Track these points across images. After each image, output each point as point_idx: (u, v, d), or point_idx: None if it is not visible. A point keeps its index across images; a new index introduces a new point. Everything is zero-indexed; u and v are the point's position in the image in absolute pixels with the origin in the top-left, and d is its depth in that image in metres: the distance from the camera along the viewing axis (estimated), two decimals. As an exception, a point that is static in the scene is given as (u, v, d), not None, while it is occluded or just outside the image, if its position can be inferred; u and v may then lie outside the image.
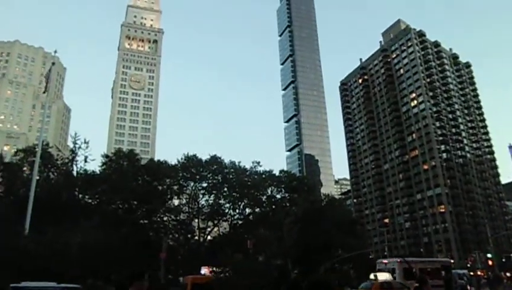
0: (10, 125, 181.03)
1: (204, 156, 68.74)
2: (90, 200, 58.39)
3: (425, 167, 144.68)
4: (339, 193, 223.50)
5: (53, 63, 41.64)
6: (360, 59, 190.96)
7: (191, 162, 67.03)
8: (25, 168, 55.57)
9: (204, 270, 49.10)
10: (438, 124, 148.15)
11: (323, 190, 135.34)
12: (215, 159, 68.52)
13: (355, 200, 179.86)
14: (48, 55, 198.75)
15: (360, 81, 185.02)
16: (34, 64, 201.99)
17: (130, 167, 61.72)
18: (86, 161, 55.43)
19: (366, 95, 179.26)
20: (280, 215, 68.19)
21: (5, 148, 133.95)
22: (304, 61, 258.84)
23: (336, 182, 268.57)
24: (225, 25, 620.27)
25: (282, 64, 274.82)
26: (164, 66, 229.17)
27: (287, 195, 74.95)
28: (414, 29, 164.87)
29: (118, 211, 57.91)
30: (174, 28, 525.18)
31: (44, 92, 35.62)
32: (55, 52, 36.26)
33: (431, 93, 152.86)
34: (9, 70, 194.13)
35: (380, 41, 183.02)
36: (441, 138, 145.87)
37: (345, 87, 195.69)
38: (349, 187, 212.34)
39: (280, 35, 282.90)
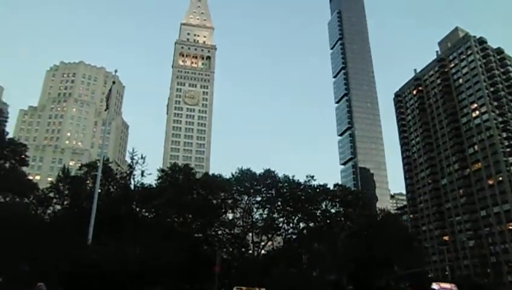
0: (75, 142, 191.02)
1: (258, 170, 69.05)
2: (146, 214, 60.08)
3: (491, 181, 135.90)
4: (395, 208, 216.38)
5: (113, 82, 43.56)
6: (415, 70, 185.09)
7: (245, 176, 67.40)
8: (88, 182, 58.31)
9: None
10: (504, 134, 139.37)
11: (378, 205, 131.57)
12: (269, 173, 68.51)
13: (411, 216, 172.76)
14: (108, 75, 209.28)
15: (415, 92, 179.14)
16: (96, 83, 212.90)
17: (185, 181, 62.92)
18: (143, 175, 57.15)
19: (421, 106, 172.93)
20: (335, 230, 66.87)
21: (71, 163, 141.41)
22: (357, 73, 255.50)
23: (392, 196, 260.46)
24: (276, 38, 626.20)
25: (334, 77, 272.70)
26: (217, 81, 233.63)
27: (341, 209, 73.33)
28: (474, 36, 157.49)
29: (174, 224, 59.08)
30: (226, 44, 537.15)
31: (105, 110, 37.26)
32: (116, 71, 37.76)
33: (495, 103, 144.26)
34: (74, 90, 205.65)
35: (437, 51, 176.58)
36: (508, 150, 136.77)
37: (400, 99, 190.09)
38: (405, 202, 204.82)
39: (332, 48, 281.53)
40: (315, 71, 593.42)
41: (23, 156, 60.80)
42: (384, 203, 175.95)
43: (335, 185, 77.14)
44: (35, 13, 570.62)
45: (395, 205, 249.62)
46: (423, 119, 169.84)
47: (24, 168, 64.23)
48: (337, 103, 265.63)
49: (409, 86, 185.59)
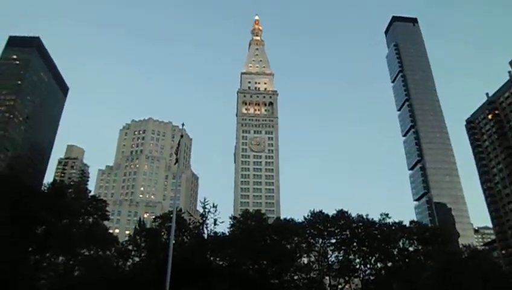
0: (148, 196, 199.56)
1: (330, 211, 67.63)
2: (221, 262, 60.27)
3: None
4: (481, 244, 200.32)
5: (181, 136, 45.22)
6: (487, 94, 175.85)
7: (317, 218, 66.23)
8: (163, 233, 60.09)
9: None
10: None
11: (461, 241, 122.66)
12: (341, 214, 66.92)
13: (503, 252, 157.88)
14: (176, 128, 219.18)
15: (490, 116, 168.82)
16: (165, 138, 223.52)
17: (257, 227, 62.91)
18: (215, 224, 57.87)
19: (500, 130, 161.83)
20: (414, 270, 63.11)
21: (145, 215, 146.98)
22: (422, 103, 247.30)
23: (476, 231, 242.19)
24: (334, 74, 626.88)
25: (399, 110, 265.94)
26: (281, 124, 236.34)
27: (420, 247, 69.32)
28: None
29: (249, 272, 58.62)
30: (286, 88, 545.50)
31: (175, 164, 38.64)
32: (183, 125, 39.32)
33: None
34: (145, 147, 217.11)
35: (509, 71, 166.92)
36: None
37: (473, 125, 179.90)
38: (493, 236, 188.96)
39: (393, 82, 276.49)
40: (379, 105, 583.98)
41: (104, 212, 64.13)
42: (467, 238, 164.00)
43: (411, 222, 73.79)
44: (108, 75, 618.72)
45: (481, 240, 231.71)
46: (504, 144, 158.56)
47: (105, 223, 67.50)
48: (404, 136, 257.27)
49: (482, 111, 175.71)
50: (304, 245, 64.70)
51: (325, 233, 65.20)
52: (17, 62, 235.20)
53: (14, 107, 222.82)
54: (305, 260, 66.12)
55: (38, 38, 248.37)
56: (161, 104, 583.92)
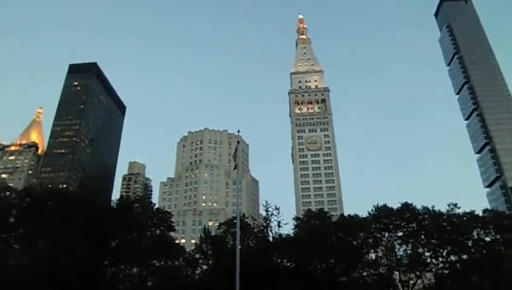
0: (211, 204, 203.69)
1: (394, 204, 65.61)
2: (288, 263, 60.19)
3: None
4: None
5: (238, 142, 45.67)
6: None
7: (382, 213, 64.42)
8: (228, 240, 61.03)
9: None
10: None
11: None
12: (406, 206, 64.59)
13: None
14: (231, 136, 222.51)
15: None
16: (222, 146, 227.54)
17: (321, 226, 62.31)
18: (279, 226, 58.09)
19: None
20: (494, 261, 59.47)
21: (210, 223, 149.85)
22: (483, 84, 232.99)
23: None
24: (385, 60, 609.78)
25: (457, 93, 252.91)
26: (336, 120, 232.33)
27: (498, 237, 65.14)
28: None
29: (316, 271, 58.10)
30: (337, 82, 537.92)
31: (234, 170, 39.24)
32: (238, 131, 40.00)
33: None
34: (203, 156, 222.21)
35: None
36: None
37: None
38: None
39: (448, 65, 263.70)
40: (434, 90, 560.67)
41: (169, 223, 66.13)
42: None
43: (484, 211, 69.50)
44: (160, 90, 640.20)
45: None
46: None
47: (171, 233, 69.51)
48: (466, 119, 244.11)
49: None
50: (371, 240, 63.11)
51: (391, 227, 63.22)
52: (78, 88, 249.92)
53: (79, 131, 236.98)
54: (372, 255, 64.51)
55: (95, 63, 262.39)
56: (215, 113, 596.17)
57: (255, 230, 63.15)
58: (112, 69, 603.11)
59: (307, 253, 56.14)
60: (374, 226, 63.57)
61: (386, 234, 63.66)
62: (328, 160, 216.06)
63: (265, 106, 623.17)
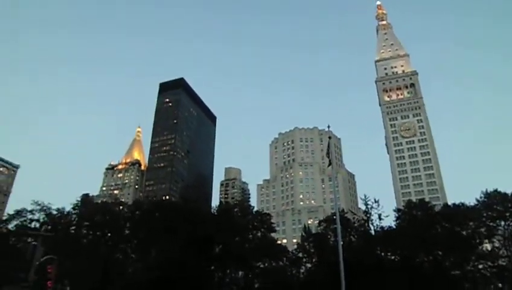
0: (308, 202, 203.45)
1: (506, 188, 60.32)
2: (392, 256, 58.17)
3: None
4: None
5: (329, 138, 45.25)
6: None
7: (493, 199, 59.54)
8: (329, 236, 60.61)
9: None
10: None
11: None
12: (523, 191, 58.92)
13: None
14: (322, 132, 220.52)
15: None
16: (313, 143, 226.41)
17: (424, 216, 59.40)
18: (380, 219, 56.40)
19: None
20: None
21: (309, 221, 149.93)
22: None
23: None
24: (478, 40, 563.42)
25: None
26: (428, 104, 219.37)
27: None
28: None
29: (423, 264, 55.34)
30: (427, 64, 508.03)
31: (328, 166, 38.96)
32: (329, 127, 39.46)
33: None
34: (296, 155, 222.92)
35: None
36: None
37: None
38: None
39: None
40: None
41: (269, 224, 67.36)
42: None
43: None
44: (246, 95, 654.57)
45: None
46: None
47: (272, 234, 70.67)
48: None
49: None
50: (483, 230, 58.42)
51: (507, 214, 57.91)
52: (170, 104, 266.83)
53: (175, 144, 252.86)
54: (487, 246, 59.65)
55: (182, 79, 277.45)
56: (303, 111, 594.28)
57: (355, 225, 61.99)
58: (197, 79, 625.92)
59: (411, 245, 53.79)
60: (485, 214, 58.81)
61: (502, 223, 58.43)
62: (424, 146, 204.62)
63: (352, 97, 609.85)
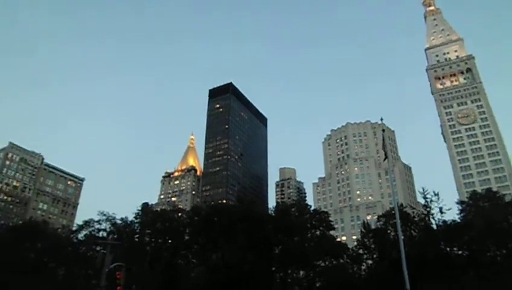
0: (366, 197, 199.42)
1: None
2: (459, 251, 55.76)
3: None
4: None
5: (383, 130, 44.55)
6: None
7: None
8: (389, 231, 59.17)
9: None
10: None
11: None
12: None
13: None
14: (375, 125, 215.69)
15: None
16: (367, 137, 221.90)
17: (492, 207, 56.47)
18: (441, 212, 54.33)
19: None
20: None
21: (368, 217, 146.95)
22: None
23: None
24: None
25: None
26: (489, 89, 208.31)
27: None
28: None
29: (496, 258, 52.49)
30: (485, 49, 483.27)
31: (384, 160, 38.06)
32: (382, 120, 38.64)
33: None
34: (350, 151, 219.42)
35: None
36: None
37: None
38: None
39: None
40: None
41: (327, 222, 66.76)
42: None
43: None
44: (293, 93, 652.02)
45: None
46: None
47: (331, 232, 69.98)
48: None
49: None
50: None
51: None
52: (221, 110, 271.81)
53: (228, 148, 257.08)
54: None
55: (230, 83, 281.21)
56: (354, 106, 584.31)
57: (415, 219, 60.08)
58: (245, 82, 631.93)
59: (480, 239, 51.20)
60: None
61: None
62: (486, 132, 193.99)
63: (403, 87, 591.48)
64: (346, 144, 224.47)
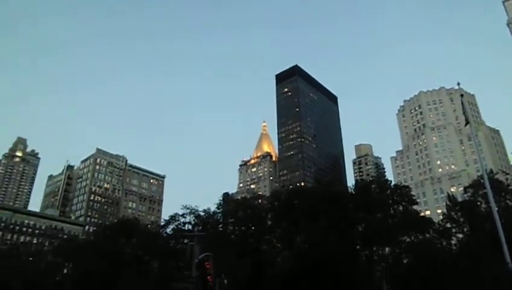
0: (448, 167, 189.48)
1: None
2: None
3: None
4: None
5: (461, 95, 41.91)
6: None
7: None
8: (479, 203, 55.68)
9: None
10: None
11: None
12: None
13: None
14: (451, 91, 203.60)
15: None
16: (442, 104, 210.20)
17: None
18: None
19: None
20: None
21: (452, 189, 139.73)
22: None
23: None
24: None
25: None
26: None
27: None
28: None
29: None
30: None
31: (466, 125, 35.81)
32: (458, 84, 36.45)
33: None
34: (426, 120, 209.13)
35: None
36: None
37: None
38: None
39: None
40: None
41: (410, 197, 64.15)
42: None
43: None
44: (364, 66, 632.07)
45: None
46: None
47: (415, 207, 67.41)
48: None
49: None
50: None
51: None
52: (289, 93, 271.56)
53: (301, 131, 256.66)
54: None
55: (296, 66, 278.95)
56: (425, 73, 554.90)
57: (510, 187, 55.81)
58: (311, 63, 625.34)
59: None
60: None
61: None
62: None
63: (478, 48, 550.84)
64: (421, 113, 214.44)
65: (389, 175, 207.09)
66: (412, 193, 68.87)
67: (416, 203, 68.28)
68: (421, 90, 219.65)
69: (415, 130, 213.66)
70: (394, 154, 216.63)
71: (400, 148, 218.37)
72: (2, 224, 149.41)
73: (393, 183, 73.27)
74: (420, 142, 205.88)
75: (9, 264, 78.96)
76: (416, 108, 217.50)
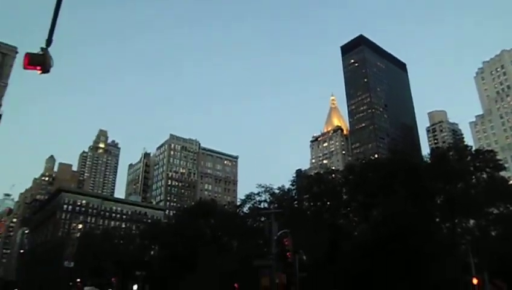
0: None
1: None
2: None
3: None
4: None
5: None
6: None
7: None
8: None
9: None
10: None
11: None
12: None
13: None
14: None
15: None
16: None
17: None
18: None
19: None
20: None
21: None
22: None
23: None
24: None
25: None
26: None
27: None
28: None
29: None
30: None
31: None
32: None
33: None
34: (510, 81, 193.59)
35: None
36: None
37: None
38: None
39: None
40: None
41: (495, 162, 59.56)
42: None
43: None
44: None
45: None
46: None
47: (502, 173, 63.04)
48: None
49: None
50: None
51: None
52: (356, 64, 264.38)
53: (371, 102, 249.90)
54: None
55: (361, 35, 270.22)
56: (502, 33, 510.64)
57: None
58: (376, 31, 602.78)
59: None
60: None
61: None
62: None
63: None
64: (504, 74, 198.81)
65: (469, 141, 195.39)
66: (498, 157, 64.42)
67: (504, 169, 63.74)
68: (503, 48, 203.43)
69: (498, 92, 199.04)
70: (473, 120, 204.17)
71: (479, 112, 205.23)
72: (95, 210, 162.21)
73: (474, 149, 68.90)
74: (505, 105, 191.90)
75: (104, 249, 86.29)
76: (499, 69, 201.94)
